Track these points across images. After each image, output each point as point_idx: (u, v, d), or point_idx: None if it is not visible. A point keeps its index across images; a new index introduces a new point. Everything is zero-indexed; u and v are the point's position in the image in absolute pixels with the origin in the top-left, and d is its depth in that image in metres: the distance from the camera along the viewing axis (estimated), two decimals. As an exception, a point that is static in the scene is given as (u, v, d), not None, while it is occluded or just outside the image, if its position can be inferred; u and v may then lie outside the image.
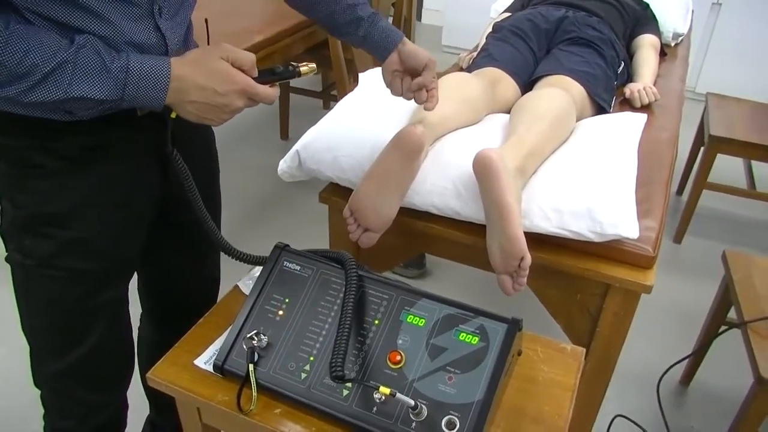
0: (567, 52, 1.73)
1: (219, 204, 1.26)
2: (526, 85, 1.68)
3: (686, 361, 1.83)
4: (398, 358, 0.88)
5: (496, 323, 0.89)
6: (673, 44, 2.48)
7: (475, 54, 1.91)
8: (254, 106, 0.91)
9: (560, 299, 1.31)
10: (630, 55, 2.05)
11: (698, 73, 3.91)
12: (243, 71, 0.88)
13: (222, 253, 1.08)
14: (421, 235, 1.34)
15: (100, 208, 0.96)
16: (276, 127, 3.30)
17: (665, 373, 1.59)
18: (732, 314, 1.68)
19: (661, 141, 1.65)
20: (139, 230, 1.06)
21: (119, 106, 0.84)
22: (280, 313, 0.96)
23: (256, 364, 0.91)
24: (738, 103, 2.73)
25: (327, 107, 3.44)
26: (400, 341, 0.90)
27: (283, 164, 1.39)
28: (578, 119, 1.47)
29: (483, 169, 1.13)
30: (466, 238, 1.29)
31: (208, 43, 1.11)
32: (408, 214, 1.31)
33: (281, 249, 1.02)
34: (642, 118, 1.48)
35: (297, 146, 1.37)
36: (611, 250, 1.23)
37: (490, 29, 1.96)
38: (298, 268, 0.99)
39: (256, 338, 0.92)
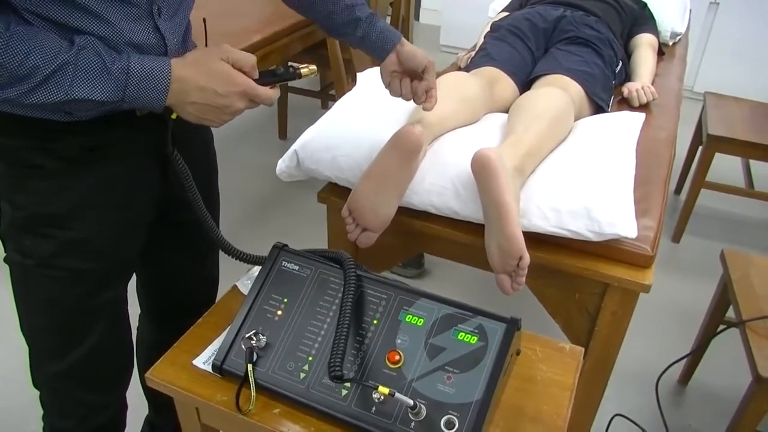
0: (565, 52, 1.73)
1: (218, 204, 1.26)
2: (525, 84, 1.68)
3: (685, 360, 1.83)
4: (397, 357, 0.88)
5: (495, 323, 0.89)
6: (671, 43, 2.48)
7: (473, 53, 1.91)
8: (255, 107, 0.91)
9: (559, 298, 1.32)
10: (628, 55, 2.05)
11: (696, 72, 3.91)
12: (243, 73, 0.88)
13: (220, 254, 1.08)
14: (419, 234, 1.35)
15: (100, 208, 0.96)
16: (274, 127, 3.30)
17: (664, 372, 1.59)
18: (730, 313, 1.69)
19: (660, 140, 1.65)
20: (139, 230, 1.06)
21: (120, 107, 0.84)
22: (279, 313, 0.96)
23: (254, 364, 0.91)
24: (736, 102, 2.73)
25: (325, 107, 3.44)
26: (398, 341, 0.90)
27: (282, 164, 1.39)
28: (576, 119, 1.47)
29: (481, 169, 1.13)
30: (464, 238, 1.29)
31: (206, 43, 1.11)
32: (406, 213, 1.31)
33: (280, 249, 1.02)
34: (640, 117, 1.48)
35: (295, 146, 1.37)
36: (609, 250, 1.23)
37: (488, 29, 1.96)
38: (297, 267, 0.99)
39: (254, 338, 0.92)
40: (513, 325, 0.88)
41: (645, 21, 2.17)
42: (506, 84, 1.63)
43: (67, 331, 1.04)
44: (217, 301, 1.13)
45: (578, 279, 1.26)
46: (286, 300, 0.97)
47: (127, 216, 1.01)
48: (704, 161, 2.50)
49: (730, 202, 2.86)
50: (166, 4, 0.90)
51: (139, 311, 1.34)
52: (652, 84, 1.92)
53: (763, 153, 2.43)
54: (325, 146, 1.34)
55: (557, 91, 1.44)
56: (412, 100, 1.16)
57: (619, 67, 1.86)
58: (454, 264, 1.45)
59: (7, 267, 1.01)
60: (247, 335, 0.93)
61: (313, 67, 0.97)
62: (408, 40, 1.13)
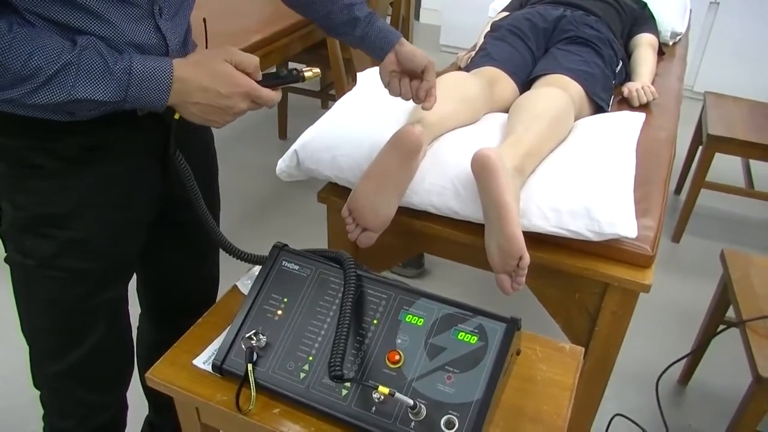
0: (565, 51, 1.73)
1: (218, 204, 1.26)
2: (525, 84, 1.68)
3: (685, 360, 1.83)
4: (397, 357, 0.88)
5: (495, 323, 0.89)
6: (671, 43, 2.48)
7: (473, 53, 1.91)
8: (258, 108, 0.92)
9: (559, 298, 1.32)
10: (628, 54, 2.05)
11: (696, 72, 3.91)
12: (247, 74, 0.88)
13: (221, 253, 1.08)
14: (419, 234, 1.35)
15: (99, 208, 0.96)
16: (274, 127, 3.30)
17: (664, 372, 1.59)
18: (730, 313, 1.69)
19: (660, 140, 1.65)
20: (139, 230, 1.06)
21: (122, 107, 0.84)
22: (279, 312, 0.96)
23: (254, 364, 0.91)
24: (736, 102, 2.73)
25: (325, 107, 3.44)
26: (399, 341, 0.90)
27: (282, 164, 1.39)
28: (576, 118, 1.47)
29: (481, 169, 1.13)
30: (464, 238, 1.29)
31: (207, 43, 1.11)
32: (406, 213, 1.31)
33: (280, 249, 1.02)
34: (640, 117, 1.48)
35: (295, 146, 1.37)
36: (610, 250, 1.23)
37: (488, 28, 1.96)
38: (297, 267, 0.99)
39: (254, 338, 0.92)
40: (513, 325, 0.88)
41: (645, 21, 2.17)
42: (506, 84, 1.63)
43: (67, 331, 1.04)
44: (217, 301, 1.13)
45: (578, 279, 1.26)
46: (286, 300, 0.97)
47: (126, 216, 1.01)
48: (704, 161, 2.50)
49: (730, 202, 2.86)
50: (167, 5, 0.91)
51: (139, 311, 1.34)
52: (652, 84, 1.92)
53: (763, 153, 2.43)
54: (325, 146, 1.34)
55: (557, 91, 1.44)
56: (411, 100, 1.16)
57: (619, 67, 1.86)
58: (454, 264, 1.45)
59: (7, 267, 1.01)
60: (247, 335, 0.93)
61: (317, 70, 0.97)
62: (408, 39, 1.14)
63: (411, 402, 0.82)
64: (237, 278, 1.15)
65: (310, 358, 0.91)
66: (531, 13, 1.90)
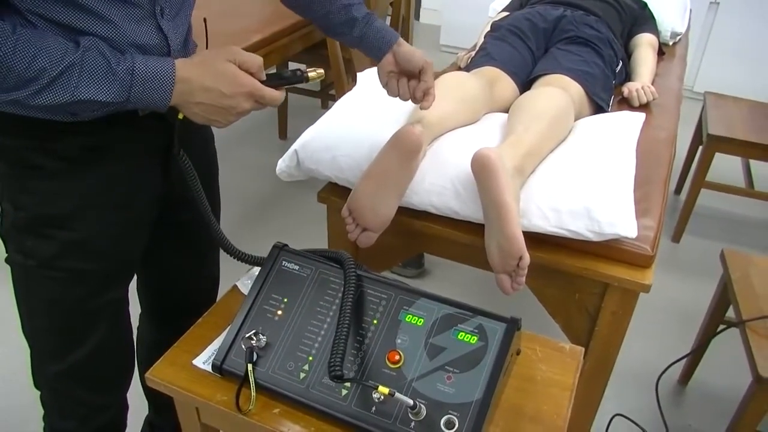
0: (565, 51, 1.73)
1: (218, 203, 1.26)
2: (525, 84, 1.68)
3: (685, 360, 1.83)
4: (397, 357, 0.88)
5: (495, 323, 0.89)
6: (671, 43, 2.48)
7: (473, 53, 1.91)
8: (261, 108, 0.92)
9: (559, 298, 1.32)
10: (628, 54, 2.05)
11: (696, 72, 3.91)
12: (250, 74, 0.88)
13: (221, 253, 1.08)
14: (419, 234, 1.35)
15: (100, 208, 0.96)
16: (274, 127, 3.30)
17: (664, 372, 1.59)
18: (730, 313, 1.69)
19: (660, 140, 1.65)
20: (140, 231, 1.06)
21: (124, 108, 0.84)
22: (279, 312, 0.96)
23: (254, 364, 0.91)
24: (736, 102, 2.73)
25: (325, 107, 3.44)
26: (398, 341, 0.90)
27: (282, 164, 1.39)
28: (576, 118, 1.47)
29: (481, 169, 1.13)
30: (464, 238, 1.29)
31: (207, 43, 1.11)
32: (406, 213, 1.31)
33: (280, 249, 1.02)
34: (640, 117, 1.48)
35: (295, 146, 1.37)
36: (610, 250, 1.23)
37: (488, 28, 1.96)
38: (297, 267, 0.99)
39: (254, 338, 0.92)
40: (513, 325, 0.88)
41: (645, 21, 2.17)
42: (506, 84, 1.63)
43: (68, 332, 1.04)
44: (217, 301, 1.13)
45: (578, 279, 1.26)
46: (286, 300, 0.97)
47: (128, 216, 1.01)
48: (704, 161, 2.50)
49: (730, 202, 2.86)
50: (169, 5, 0.91)
51: (139, 311, 1.34)
52: (652, 84, 1.92)
53: (763, 153, 2.43)
54: (325, 146, 1.34)
55: (557, 91, 1.44)
56: (409, 101, 1.16)
57: (619, 67, 1.86)
58: (454, 264, 1.45)
59: (8, 267, 1.00)
60: (247, 335, 0.93)
61: (321, 71, 0.96)
62: (408, 39, 1.14)
63: (411, 402, 0.82)
64: (237, 278, 1.15)
65: (310, 358, 0.91)
66: (531, 13, 1.90)
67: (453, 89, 1.39)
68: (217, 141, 1.22)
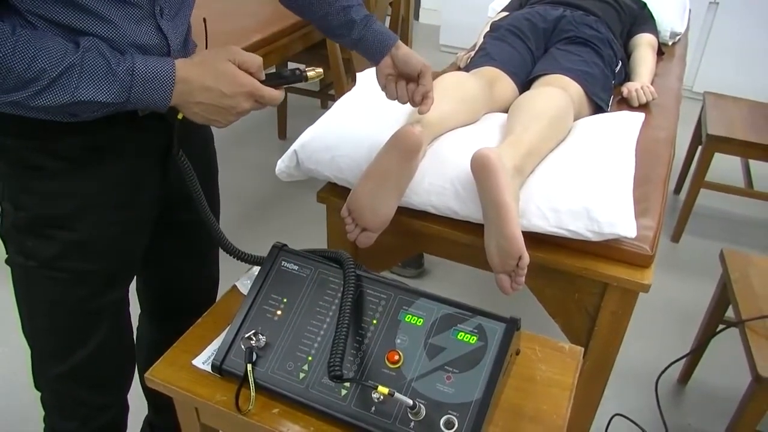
0: (565, 52, 1.73)
1: (218, 203, 1.26)
2: (524, 84, 1.68)
3: (684, 359, 1.83)
4: (396, 357, 0.88)
5: (495, 322, 0.89)
6: (670, 43, 2.48)
7: (472, 53, 1.91)
8: (261, 108, 0.92)
9: (558, 298, 1.32)
10: (627, 55, 2.05)
11: (695, 72, 3.91)
12: (250, 74, 0.88)
13: (220, 253, 1.08)
14: (419, 234, 1.35)
15: (101, 208, 0.96)
16: (274, 127, 3.30)
17: (663, 371, 1.59)
18: (730, 313, 1.69)
19: (659, 140, 1.65)
20: (141, 230, 1.06)
21: (124, 108, 0.84)
22: (278, 313, 0.96)
23: (254, 364, 0.91)
24: (735, 102, 2.73)
25: (325, 107, 3.44)
26: (398, 341, 0.90)
27: (281, 164, 1.39)
28: (576, 118, 1.47)
29: (481, 169, 1.13)
30: (464, 238, 1.29)
31: (207, 43, 1.11)
32: (406, 213, 1.31)
33: (279, 249, 1.02)
34: (640, 117, 1.48)
35: (295, 146, 1.37)
36: (609, 249, 1.23)
37: (487, 28, 1.96)
38: (296, 267, 0.99)
39: (254, 338, 0.92)
40: (512, 325, 0.88)
41: (644, 21, 2.18)
42: (506, 84, 1.63)
43: (69, 333, 1.04)
44: (216, 301, 1.13)
45: (578, 279, 1.26)
46: (285, 300, 0.97)
47: (128, 216, 1.01)
48: (703, 161, 2.50)
49: (730, 202, 2.86)
50: (168, 5, 0.91)
51: (138, 311, 1.34)
52: (652, 84, 1.92)
53: (762, 153, 2.44)
54: (325, 146, 1.34)
55: (557, 91, 1.44)
56: (408, 103, 1.17)
57: (618, 67, 1.86)
58: (453, 264, 1.45)
59: (8, 268, 1.00)
60: (246, 335, 0.93)
61: (320, 70, 0.97)
62: (407, 39, 1.14)
63: (410, 402, 0.82)
64: (237, 278, 1.15)
65: (310, 358, 0.91)
66: (530, 13, 1.90)
67: (452, 89, 1.39)
68: (217, 141, 1.22)
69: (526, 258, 1.13)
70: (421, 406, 0.83)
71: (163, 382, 0.95)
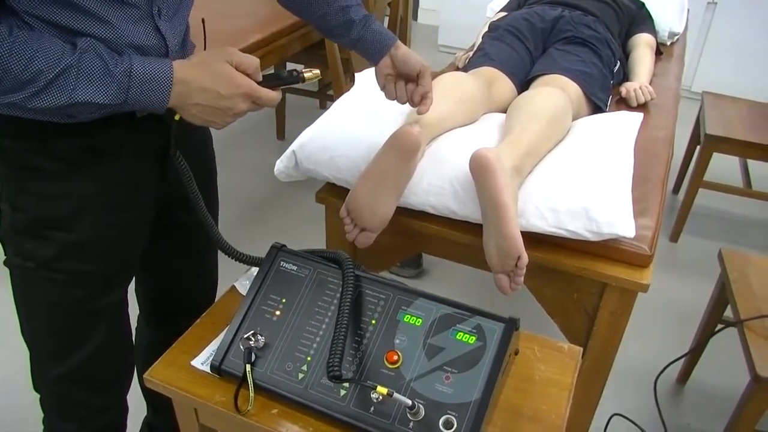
0: (563, 52, 1.73)
1: (216, 204, 1.26)
2: (523, 84, 1.68)
3: (683, 359, 1.84)
4: (395, 357, 0.88)
5: (493, 323, 0.89)
6: (668, 43, 2.49)
7: (471, 53, 1.91)
8: (258, 109, 0.92)
9: (557, 298, 1.32)
10: (626, 54, 2.06)
11: (694, 72, 3.91)
12: (247, 75, 0.88)
13: (219, 254, 1.08)
14: (417, 234, 1.35)
15: (99, 209, 0.96)
16: (272, 127, 3.30)
17: (662, 371, 1.59)
18: (728, 313, 1.69)
19: (658, 140, 1.65)
20: (139, 232, 1.05)
21: (122, 109, 0.84)
22: (277, 313, 0.96)
23: (253, 365, 0.91)
24: (734, 102, 2.73)
25: (323, 107, 3.44)
26: (397, 341, 0.90)
27: (280, 164, 1.39)
28: (574, 118, 1.47)
29: (479, 169, 1.14)
30: (462, 238, 1.29)
31: (205, 43, 1.11)
32: (405, 213, 1.31)
33: (278, 249, 1.02)
34: (638, 117, 1.49)
35: (293, 146, 1.37)
36: (608, 249, 1.23)
37: (486, 29, 1.96)
38: (295, 268, 0.99)
39: (253, 339, 0.92)
40: (511, 325, 0.89)
41: (643, 21, 2.18)
42: (504, 84, 1.63)
43: (67, 334, 1.04)
44: (215, 301, 1.13)
45: (576, 279, 1.26)
46: (284, 300, 0.97)
47: (126, 217, 1.01)
48: (702, 161, 2.50)
49: (728, 202, 2.86)
50: (166, 5, 0.91)
51: (137, 312, 1.34)
52: (650, 84, 1.92)
53: (761, 153, 2.44)
54: (323, 147, 1.34)
55: (555, 91, 1.44)
56: (406, 104, 1.17)
57: (617, 67, 1.87)
58: (452, 264, 1.45)
59: (6, 270, 1.00)
60: (245, 336, 0.93)
61: (317, 71, 0.97)
62: (406, 40, 1.14)
63: (409, 402, 0.82)
64: (235, 279, 1.15)
65: (309, 359, 0.91)
66: (529, 13, 1.90)
67: (451, 89, 1.39)
68: (216, 142, 1.22)
69: (525, 258, 1.13)
70: (420, 406, 0.83)
71: (162, 382, 0.95)
